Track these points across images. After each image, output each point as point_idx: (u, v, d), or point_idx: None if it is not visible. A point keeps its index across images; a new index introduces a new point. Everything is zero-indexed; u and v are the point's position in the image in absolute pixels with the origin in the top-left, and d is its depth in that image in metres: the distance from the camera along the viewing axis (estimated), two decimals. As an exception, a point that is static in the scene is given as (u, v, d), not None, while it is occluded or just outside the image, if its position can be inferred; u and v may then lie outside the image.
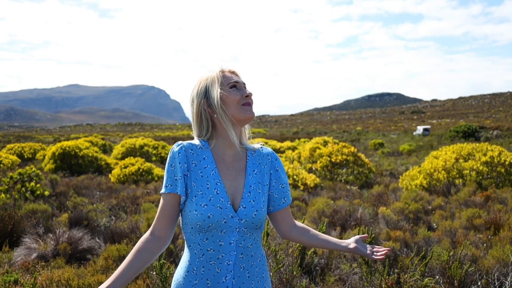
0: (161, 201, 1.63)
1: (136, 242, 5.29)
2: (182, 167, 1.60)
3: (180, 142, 1.66)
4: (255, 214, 1.60)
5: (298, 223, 1.83)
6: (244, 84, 1.69)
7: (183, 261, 1.65)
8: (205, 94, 1.64)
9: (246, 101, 1.65)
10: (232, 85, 1.65)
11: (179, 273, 1.65)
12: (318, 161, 11.79)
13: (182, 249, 4.78)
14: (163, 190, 1.61)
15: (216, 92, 1.62)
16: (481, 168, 8.64)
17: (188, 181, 1.61)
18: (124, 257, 4.32)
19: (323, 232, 3.37)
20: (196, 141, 1.68)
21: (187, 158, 1.62)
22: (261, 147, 1.77)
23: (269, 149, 1.78)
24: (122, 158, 16.33)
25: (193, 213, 1.56)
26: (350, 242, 1.76)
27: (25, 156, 18.46)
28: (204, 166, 1.63)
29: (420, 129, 37.08)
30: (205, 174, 1.62)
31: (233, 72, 1.70)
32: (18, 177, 8.19)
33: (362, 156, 11.95)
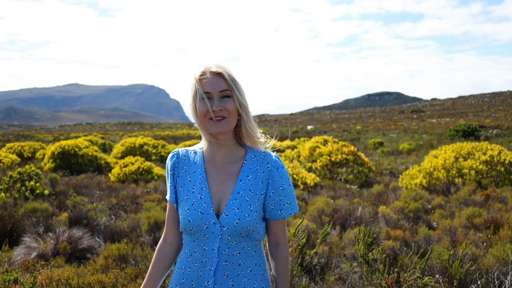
0: (168, 208, 1.74)
1: (136, 241, 5.31)
2: (172, 174, 1.68)
3: (176, 150, 1.71)
4: (236, 223, 1.54)
5: (282, 250, 1.69)
6: (224, 90, 1.55)
7: (178, 257, 1.71)
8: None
9: (212, 115, 1.54)
10: (203, 96, 1.55)
11: (175, 268, 1.72)
12: (318, 160, 11.79)
13: (182, 248, 4.80)
14: (168, 198, 1.71)
15: (191, 101, 1.60)
16: (480, 167, 8.64)
17: (177, 187, 1.67)
18: (124, 256, 4.34)
19: (327, 234, 3.36)
20: (195, 146, 1.72)
21: (178, 164, 1.67)
22: (263, 153, 1.66)
23: (272, 157, 1.65)
24: (122, 157, 16.32)
25: (180, 216, 1.63)
26: None
27: (25, 155, 18.45)
28: (193, 170, 1.65)
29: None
30: (193, 178, 1.64)
31: (216, 73, 1.55)
32: (18, 176, 8.19)
33: (362, 155, 11.95)
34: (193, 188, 1.61)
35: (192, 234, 1.59)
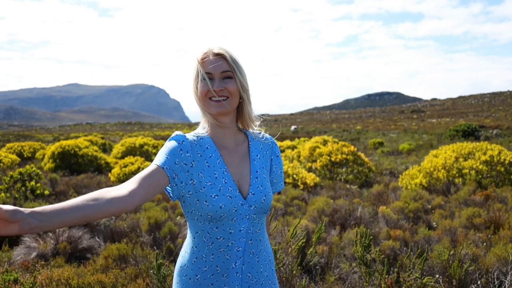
0: (151, 169, 1.45)
1: (136, 241, 5.26)
2: (187, 156, 1.53)
3: (180, 133, 1.59)
4: (263, 200, 1.60)
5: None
6: (226, 71, 1.55)
7: (190, 248, 1.64)
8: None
9: (212, 95, 1.54)
10: (205, 76, 1.55)
11: (185, 259, 1.64)
12: (318, 160, 11.79)
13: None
14: (159, 163, 1.47)
15: (192, 82, 1.61)
16: (480, 167, 8.64)
17: (193, 172, 1.55)
18: (124, 256, 4.32)
19: (321, 232, 3.37)
20: (193, 133, 1.65)
21: (192, 148, 1.56)
22: (259, 132, 1.77)
23: (268, 135, 1.79)
24: (122, 157, 16.32)
25: (204, 204, 1.53)
26: None
27: (25, 155, 18.45)
28: (209, 155, 1.60)
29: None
30: (211, 163, 1.59)
31: (218, 55, 1.56)
32: (19, 176, 8.19)
33: (362, 155, 11.95)
34: (215, 173, 1.57)
35: (219, 221, 1.55)
